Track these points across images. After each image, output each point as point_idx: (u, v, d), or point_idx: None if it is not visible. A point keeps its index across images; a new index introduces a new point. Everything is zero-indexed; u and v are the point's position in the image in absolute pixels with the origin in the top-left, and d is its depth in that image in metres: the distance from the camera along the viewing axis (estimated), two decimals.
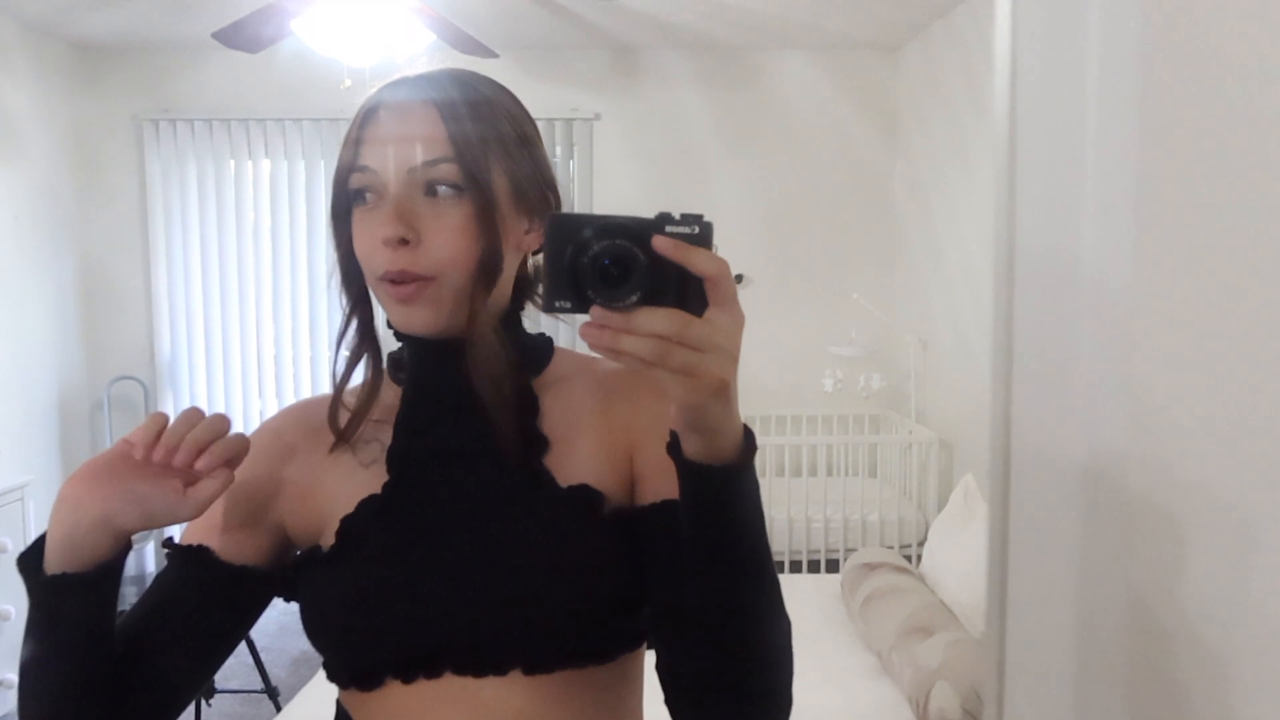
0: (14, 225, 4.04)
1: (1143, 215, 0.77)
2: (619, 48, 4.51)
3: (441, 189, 0.80)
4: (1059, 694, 0.83)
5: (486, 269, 0.80)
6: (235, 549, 0.85)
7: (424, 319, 0.81)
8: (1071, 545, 0.82)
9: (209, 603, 0.84)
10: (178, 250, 4.54)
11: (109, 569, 0.78)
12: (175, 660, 0.84)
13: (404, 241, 0.78)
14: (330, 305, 4.53)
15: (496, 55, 3.24)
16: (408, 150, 0.80)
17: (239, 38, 3.06)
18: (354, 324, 0.88)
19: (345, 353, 0.88)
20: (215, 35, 3.06)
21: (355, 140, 0.81)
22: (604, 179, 4.54)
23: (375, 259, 0.80)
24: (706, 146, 4.57)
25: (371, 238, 0.80)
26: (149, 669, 0.82)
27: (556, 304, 0.60)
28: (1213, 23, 0.72)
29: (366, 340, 0.88)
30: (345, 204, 0.83)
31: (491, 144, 0.82)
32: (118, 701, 0.80)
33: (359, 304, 0.87)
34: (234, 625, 0.87)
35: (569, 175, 4.53)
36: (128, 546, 0.80)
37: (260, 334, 4.59)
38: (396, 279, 0.79)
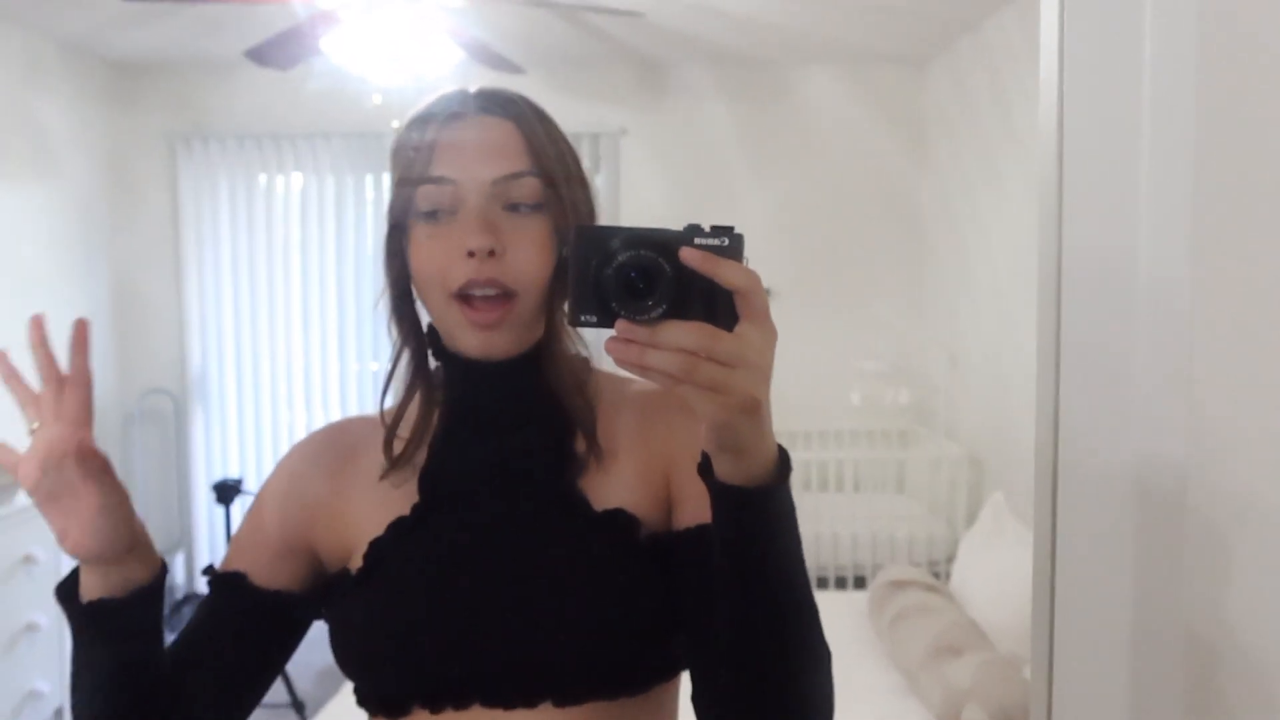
0: (49, 240, 4.10)
1: (1200, 213, 0.74)
2: (645, 62, 4.52)
3: (519, 203, 0.79)
4: None
5: (564, 284, 0.80)
6: (269, 574, 0.85)
7: (505, 342, 0.81)
8: (1124, 565, 0.78)
9: (245, 629, 0.84)
10: (209, 265, 4.59)
11: (145, 593, 0.78)
12: (214, 687, 0.83)
13: (491, 253, 0.77)
14: (359, 319, 4.57)
15: (523, 71, 3.26)
16: (489, 163, 0.79)
17: (270, 56, 3.09)
18: (405, 357, 0.87)
19: (395, 383, 0.88)
20: (247, 53, 3.10)
21: (426, 154, 0.79)
22: (630, 194, 4.54)
23: (453, 272, 0.78)
24: (733, 161, 4.56)
25: (449, 251, 0.78)
26: (189, 697, 0.81)
27: (582, 318, 0.59)
28: (1271, 20, 0.70)
29: (421, 373, 0.87)
30: (404, 223, 0.81)
31: (565, 159, 0.83)
32: (169, 714, 0.80)
33: (413, 335, 0.87)
34: (271, 653, 0.86)
35: (595, 194, 4.53)
36: (164, 571, 0.80)
37: (290, 348, 4.61)
38: (482, 289, 0.78)
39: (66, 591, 0.77)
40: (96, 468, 0.72)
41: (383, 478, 0.85)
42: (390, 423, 0.86)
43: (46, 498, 0.72)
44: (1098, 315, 0.82)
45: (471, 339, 0.80)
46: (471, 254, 0.77)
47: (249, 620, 0.84)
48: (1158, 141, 0.76)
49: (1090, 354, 0.83)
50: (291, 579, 0.85)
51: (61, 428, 0.72)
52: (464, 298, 0.79)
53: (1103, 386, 0.81)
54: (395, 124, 0.78)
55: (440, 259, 0.79)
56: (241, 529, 0.88)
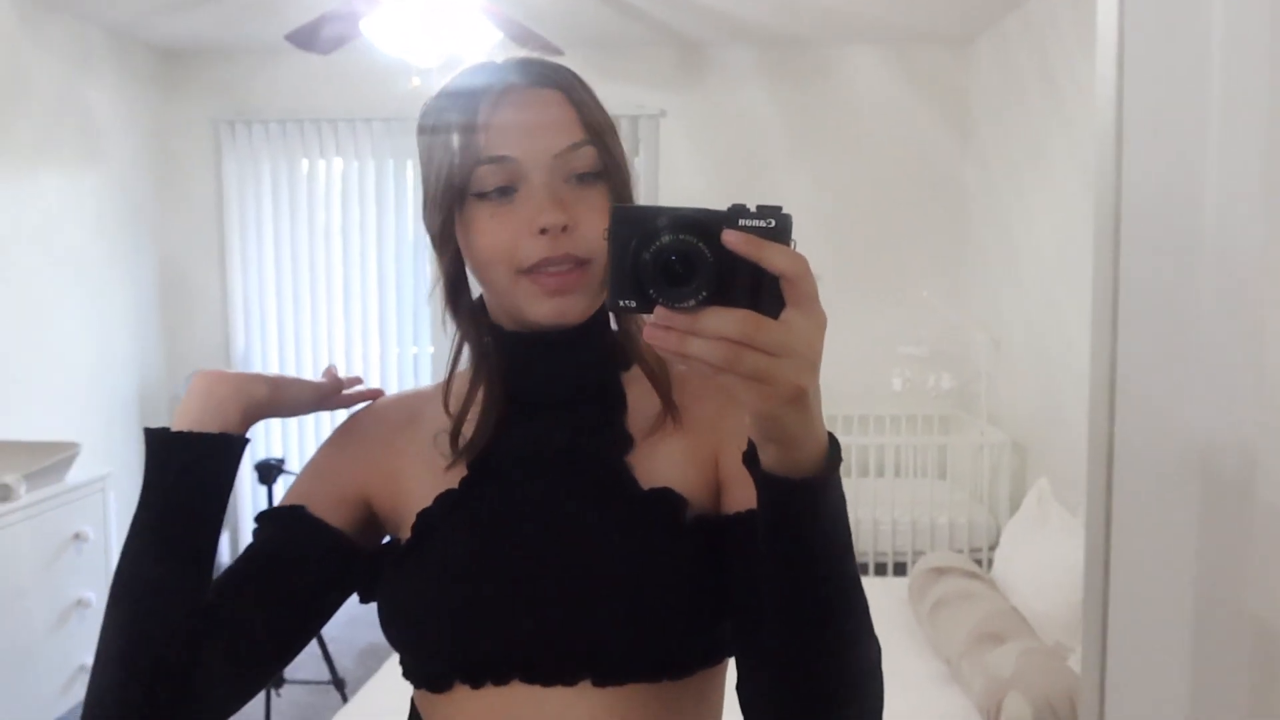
0: (97, 224, 4.18)
1: (1274, 161, 0.68)
2: (684, 44, 4.48)
3: (582, 173, 0.79)
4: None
5: None
6: (326, 511, 0.85)
7: (579, 306, 0.80)
8: (1185, 553, 0.74)
9: (296, 560, 0.83)
10: (252, 248, 4.65)
11: (228, 441, 0.80)
12: (256, 616, 0.80)
13: (564, 229, 0.76)
14: (399, 303, 4.61)
15: (562, 52, 3.24)
16: (548, 136, 0.78)
17: (310, 40, 3.11)
18: (466, 346, 0.87)
19: (461, 370, 0.87)
20: (288, 37, 3.12)
21: (480, 133, 0.78)
22: (670, 177, 4.51)
23: (524, 250, 0.77)
24: (774, 143, 4.51)
25: (517, 229, 0.78)
26: (232, 624, 0.79)
27: (620, 303, 0.57)
28: None
29: (484, 361, 0.86)
30: (458, 206, 0.80)
31: (608, 122, 0.83)
32: (198, 642, 0.76)
33: (473, 321, 0.86)
34: (315, 596, 0.84)
35: (634, 173, 4.50)
36: (245, 440, 0.82)
37: (331, 330, 4.67)
38: (556, 265, 0.77)
39: (157, 430, 0.81)
40: (317, 402, 0.89)
41: (449, 468, 0.84)
42: (457, 414, 0.85)
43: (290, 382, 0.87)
44: (1159, 280, 0.76)
45: (545, 307, 0.79)
46: (544, 231, 0.76)
47: (302, 549, 0.83)
48: (1228, 85, 0.70)
49: (1150, 324, 0.77)
50: (346, 522, 0.85)
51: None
52: (532, 271, 0.78)
53: (1164, 359, 0.76)
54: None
55: (506, 238, 0.78)
56: (300, 475, 0.88)
